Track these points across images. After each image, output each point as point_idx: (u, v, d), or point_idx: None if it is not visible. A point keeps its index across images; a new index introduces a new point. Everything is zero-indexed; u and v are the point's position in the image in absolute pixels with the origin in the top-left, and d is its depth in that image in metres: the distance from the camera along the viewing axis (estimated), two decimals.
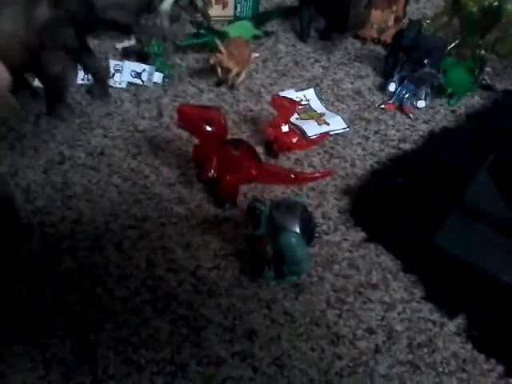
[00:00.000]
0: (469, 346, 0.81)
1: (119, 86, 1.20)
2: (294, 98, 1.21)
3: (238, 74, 1.23)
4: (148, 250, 0.89)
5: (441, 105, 1.26)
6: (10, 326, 0.77)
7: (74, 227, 0.91)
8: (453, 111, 1.25)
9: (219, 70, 1.21)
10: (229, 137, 1.01)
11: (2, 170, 0.97)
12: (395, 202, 0.98)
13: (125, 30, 0.84)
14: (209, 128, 0.91)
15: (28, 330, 0.77)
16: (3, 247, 0.85)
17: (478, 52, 1.30)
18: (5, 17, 0.69)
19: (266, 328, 0.81)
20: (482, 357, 0.79)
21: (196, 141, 0.97)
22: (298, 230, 0.80)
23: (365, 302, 0.85)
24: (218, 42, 1.18)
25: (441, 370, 0.78)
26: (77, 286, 0.83)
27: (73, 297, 0.82)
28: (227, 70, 1.21)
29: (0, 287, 0.82)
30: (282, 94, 1.23)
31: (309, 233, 0.84)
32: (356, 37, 1.44)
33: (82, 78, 1.18)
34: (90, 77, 1.17)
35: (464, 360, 0.79)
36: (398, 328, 0.82)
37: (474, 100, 1.28)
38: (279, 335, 0.80)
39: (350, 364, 0.78)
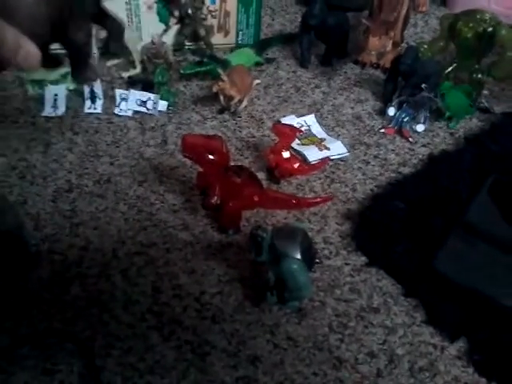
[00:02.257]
0: (470, 370, 0.82)
1: (125, 114, 1.23)
2: (295, 124, 1.24)
3: (240, 101, 1.26)
4: (154, 276, 0.91)
5: (440, 128, 1.28)
6: (19, 353, 0.79)
7: (82, 254, 0.94)
8: (452, 134, 1.27)
9: (221, 98, 1.24)
10: (231, 163, 1.03)
11: (12, 198, 1.00)
12: (395, 226, 1.00)
13: None
14: (211, 157, 0.93)
15: (37, 356, 0.79)
16: (13, 275, 0.87)
17: (474, 76, 1.33)
18: None
19: (269, 353, 0.82)
20: (483, 380, 0.80)
21: (199, 168, 1.00)
22: (299, 257, 0.82)
23: (366, 327, 0.87)
24: (220, 71, 1.21)
25: None
26: (84, 312, 0.85)
27: (81, 323, 0.84)
28: (229, 98, 1.24)
29: (10, 314, 0.83)
30: (283, 120, 1.26)
31: (310, 259, 0.86)
32: (356, 62, 1.47)
33: (88, 107, 1.22)
34: (96, 105, 1.21)
35: None
36: (400, 352, 0.84)
37: (473, 123, 1.31)
38: (282, 360, 0.82)
39: None
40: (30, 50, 0.65)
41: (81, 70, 0.89)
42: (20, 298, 0.86)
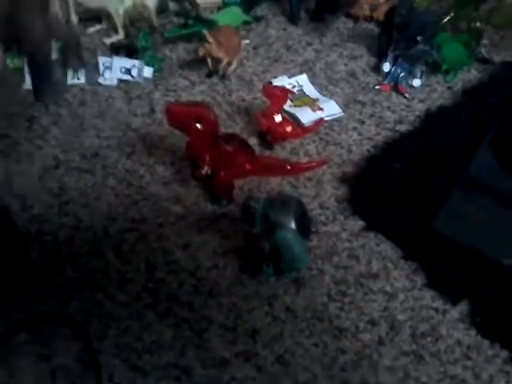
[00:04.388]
0: (472, 333, 0.81)
1: (110, 84, 1.18)
2: (287, 85, 1.20)
3: (228, 64, 1.21)
4: (147, 252, 0.89)
5: (437, 82, 1.24)
6: (15, 339, 0.78)
7: (73, 233, 0.91)
8: (449, 88, 1.22)
9: (209, 61, 1.19)
10: (222, 129, 1.00)
11: None
12: (393, 188, 0.97)
13: None
14: (199, 125, 0.90)
15: (33, 341, 0.78)
16: (3, 258, 0.85)
17: (473, 24, 1.28)
18: None
19: (268, 326, 0.81)
20: (486, 342, 0.79)
21: (188, 138, 0.96)
22: (293, 226, 0.80)
23: (366, 293, 0.85)
24: (206, 32, 1.15)
25: (445, 358, 0.78)
26: (78, 293, 0.84)
27: (75, 305, 0.82)
28: (217, 60, 1.19)
29: (4, 299, 0.82)
30: (274, 81, 1.21)
31: (305, 227, 0.84)
32: (348, 16, 1.41)
33: (71, 77, 1.17)
34: (79, 75, 1.16)
35: (468, 347, 0.79)
36: (401, 318, 0.82)
37: (471, 74, 1.26)
38: (282, 332, 0.80)
39: (354, 358, 0.78)
40: None
41: (44, 85, 0.84)
42: (12, 283, 0.84)
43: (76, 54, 1.03)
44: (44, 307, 0.81)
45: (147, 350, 0.78)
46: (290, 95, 1.09)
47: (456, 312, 0.83)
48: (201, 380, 0.75)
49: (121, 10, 1.26)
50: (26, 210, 0.94)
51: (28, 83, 1.13)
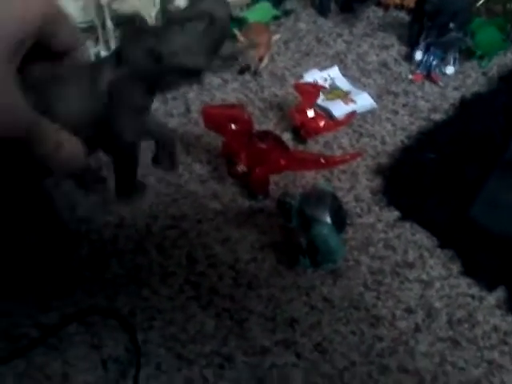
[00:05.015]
0: (509, 319, 0.81)
1: None
2: (318, 78, 1.21)
3: (260, 59, 1.23)
4: (188, 247, 0.93)
5: (471, 68, 1.23)
6: (66, 330, 0.83)
7: (117, 232, 0.96)
8: (484, 74, 1.21)
9: (240, 58, 1.21)
10: (256, 126, 1.02)
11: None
12: (427, 178, 0.98)
13: (196, 74, 0.68)
14: (234, 126, 0.93)
15: (83, 332, 0.83)
16: (57, 256, 0.90)
17: (508, 6, 1.26)
18: (71, 91, 0.63)
19: (305, 315, 0.84)
20: None
21: (224, 138, 0.99)
22: (329, 221, 0.82)
23: (402, 282, 0.87)
24: (236, 32, 1.18)
25: (482, 344, 0.79)
26: (125, 288, 0.88)
27: (122, 299, 0.87)
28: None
29: (57, 293, 0.87)
30: (305, 74, 1.23)
31: (340, 221, 0.86)
32: (378, 4, 1.41)
33: None
34: None
35: (505, 333, 0.80)
36: (437, 305, 0.84)
37: (507, 58, 1.24)
38: (319, 321, 0.83)
39: (391, 344, 0.80)
40: (73, 146, 0.60)
41: (124, 184, 0.77)
42: (64, 278, 0.89)
43: (170, 156, 0.91)
44: (93, 301, 0.86)
45: (191, 339, 0.82)
46: (321, 90, 1.11)
47: (493, 298, 0.84)
48: (243, 367, 0.78)
49: (153, 13, 1.30)
50: (74, 211, 0.99)
51: None
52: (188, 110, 1.17)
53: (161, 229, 0.96)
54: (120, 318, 0.84)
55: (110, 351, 0.81)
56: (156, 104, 1.19)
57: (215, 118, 0.93)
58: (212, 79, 1.24)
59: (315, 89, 1.07)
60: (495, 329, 0.80)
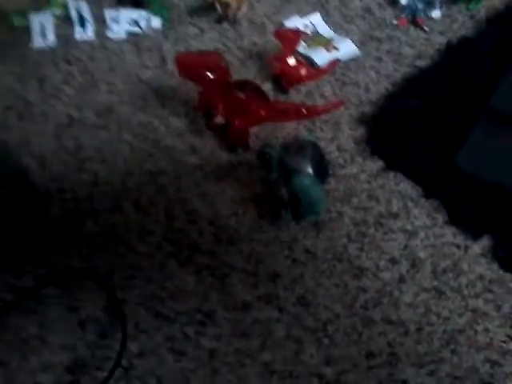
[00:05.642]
0: (494, 267, 0.80)
1: (119, 37, 1.16)
2: (300, 25, 1.16)
3: (238, 7, 1.17)
4: (166, 203, 0.90)
5: (458, 12, 1.18)
6: (44, 293, 0.80)
7: (92, 190, 0.92)
8: (472, 17, 1.16)
9: (218, 6, 1.15)
10: (235, 76, 0.98)
11: (13, 141, 0.98)
12: (412, 125, 0.95)
13: None
14: (210, 74, 0.88)
15: (60, 294, 0.80)
16: (27, 217, 0.87)
17: None
18: None
19: (288, 269, 0.82)
20: (508, 276, 0.79)
21: (200, 88, 0.95)
22: (310, 171, 0.79)
23: (386, 233, 0.85)
24: None
25: (466, 293, 0.78)
26: (101, 247, 0.85)
27: (98, 258, 0.84)
28: (226, 5, 1.15)
29: (30, 256, 0.84)
30: (286, 22, 1.17)
31: (322, 172, 0.83)
32: None
33: (78, 33, 1.15)
34: (87, 30, 1.15)
35: (490, 281, 0.78)
36: (422, 255, 0.82)
37: (496, 1, 1.19)
38: (302, 274, 0.81)
39: (375, 296, 0.78)
40: None
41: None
42: (37, 239, 0.86)
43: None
44: (68, 262, 0.83)
45: (171, 297, 0.79)
46: (303, 36, 1.06)
47: (478, 247, 0.82)
48: (224, 323, 0.77)
49: None
50: (45, 169, 0.95)
51: (36, 42, 1.12)
52: (164, 62, 1.12)
53: (137, 185, 0.93)
54: (97, 277, 0.81)
55: (88, 312, 0.79)
56: (130, 56, 1.13)
57: (190, 67, 0.88)
58: (188, 28, 1.18)
59: (296, 35, 1.02)
60: (480, 277, 0.79)
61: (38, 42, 1.13)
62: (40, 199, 0.90)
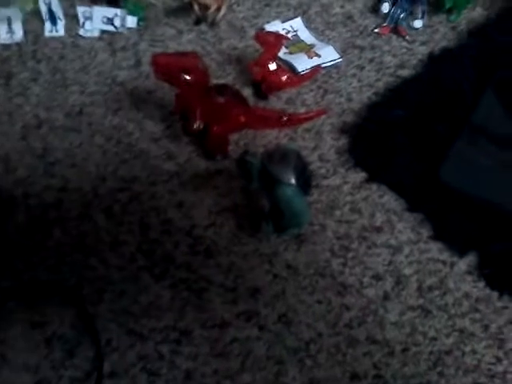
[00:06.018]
0: (481, 285, 0.78)
1: (91, 35, 1.11)
2: (281, 30, 1.13)
3: (217, 9, 1.13)
4: (140, 212, 0.85)
5: (440, 22, 1.17)
6: (6, 307, 0.75)
7: (60, 196, 0.87)
8: (453, 28, 1.15)
9: (196, 8, 1.11)
10: (213, 80, 0.94)
11: None
12: (396, 136, 0.93)
13: None
14: (188, 77, 0.84)
15: (24, 309, 0.74)
16: None
17: None
18: None
19: (269, 284, 0.78)
20: (494, 294, 0.77)
21: (177, 90, 0.90)
22: (293, 182, 0.76)
23: (370, 247, 0.82)
24: None
25: (453, 312, 0.75)
26: (69, 258, 0.80)
27: (66, 270, 0.79)
28: (205, 6, 1.11)
29: None
30: (267, 26, 1.14)
31: (306, 182, 0.80)
32: None
33: (49, 29, 1.09)
34: (58, 27, 1.09)
35: (476, 299, 0.77)
36: (407, 272, 0.80)
37: (476, 12, 1.19)
38: (283, 290, 0.78)
39: (359, 314, 0.75)
40: None
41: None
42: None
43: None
44: (34, 273, 0.78)
45: (144, 313, 0.75)
46: (284, 41, 1.03)
47: (464, 264, 0.80)
48: (201, 342, 0.73)
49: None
50: (9, 172, 0.90)
51: (2, 38, 1.06)
52: (138, 63, 1.07)
53: (109, 192, 0.87)
54: (65, 291, 0.76)
55: (54, 328, 0.73)
56: (103, 56, 1.08)
57: (166, 68, 0.84)
58: (165, 29, 1.13)
59: (278, 40, 0.99)
60: (466, 295, 0.77)
61: (4, 37, 1.06)
62: (3, 204, 0.84)
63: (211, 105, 0.88)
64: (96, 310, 0.75)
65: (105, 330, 0.73)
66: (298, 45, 1.12)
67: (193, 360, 0.71)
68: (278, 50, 1.01)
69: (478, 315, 0.75)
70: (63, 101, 1.00)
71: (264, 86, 1.01)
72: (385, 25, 1.15)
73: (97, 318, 0.74)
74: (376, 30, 1.15)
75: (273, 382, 0.70)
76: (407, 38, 1.13)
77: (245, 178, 0.79)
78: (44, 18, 1.09)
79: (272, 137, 0.95)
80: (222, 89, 0.91)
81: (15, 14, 1.08)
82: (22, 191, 0.87)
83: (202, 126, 0.88)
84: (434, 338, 0.73)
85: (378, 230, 0.84)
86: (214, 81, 0.96)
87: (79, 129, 0.96)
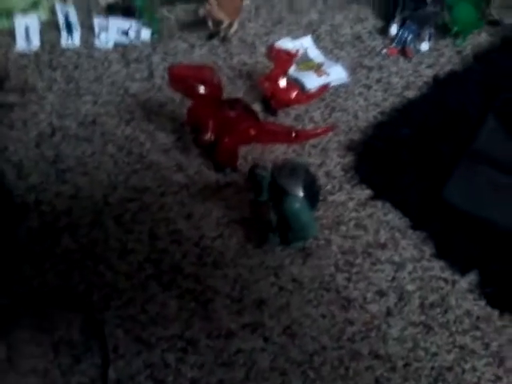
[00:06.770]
0: (482, 303, 0.79)
1: (106, 46, 1.13)
2: (291, 48, 1.15)
3: (229, 25, 1.16)
4: (149, 222, 0.87)
5: (446, 46, 1.19)
6: (15, 311, 0.76)
7: (71, 203, 0.89)
8: (459, 52, 1.18)
9: (210, 23, 1.14)
10: (224, 95, 0.96)
11: None
12: (401, 155, 0.94)
13: None
14: (202, 89, 0.86)
15: (33, 313, 0.76)
16: (1, 228, 0.82)
17: None
18: None
19: (274, 296, 0.79)
20: (495, 313, 0.78)
21: (190, 103, 0.92)
22: (301, 195, 0.77)
23: (374, 263, 0.84)
24: None
25: (454, 329, 0.77)
26: (79, 264, 0.81)
27: (76, 276, 0.80)
28: (218, 22, 1.14)
29: (2, 270, 0.79)
30: (277, 43, 1.16)
31: (313, 196, 0.82)
32: None
33: (65, 39, 1.12)
34: (74, 37, 1.11)
35: (477, 317, 0.78)
36: (410, 288, 0.81)
37: (481, 38, 1.21)
38: (288, 303, 0.79)
39: (362, 329, 0.77)
40: None
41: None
42: (10, 253, 0.81)
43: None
44: (43, 279, 0.79)
45: (152, 321, 0.76)
46: (295, 59, 1.05)
47: (465, 282, 0.82)
48: (207, 351, 0.74)
49: None
50: (22, 178, 0.91)
51: (20, 46, 1.08)
52: (151, 75, 1.09)
53: (120, 201, 0.89)
54: (74, 296, 0.77)
55: (62, 334, 0.74)
56: (117, 67, 1.10)
57: (182, 79, 0.86)
58: (178, 43, 1.16)
59: (289, 56, 1.01)
60: (468, 313, 0.78)
61: (21, 45, 1.09)
62: (15, 210, 0.85)
63: (223, 118, 0.90)
64: (103, 316, 0.76)
65: (112, 336, 0.75)
66: (307, 63, 1.14)
67: (198, 369, 0.72)
68: (289, 67, 1.03)
69: (478, 333, 0.76)
70: (76, 110, 1.02)
71: (273, 102, 1.03)
72: (393, 46, 1.17)
73: (104, 325, 0.75)
74: (384, 51, 1.17)
75: None
76: (413, 59, 1.15)
77: (254, 191, 0.81)
78: (61, 28, 1.12)
79: (279, 152, 0.97)
80: (234, 103, 0.93)
81: (33, 22, 1.10)
82: (35, 197, 0.89)
83: (213, 138, 0.90)
84: (436, 354, 0.74)
85: (383, 246, 0.86)
86: (225, 95, 0.98)
87: (91, 138, 0.98)
